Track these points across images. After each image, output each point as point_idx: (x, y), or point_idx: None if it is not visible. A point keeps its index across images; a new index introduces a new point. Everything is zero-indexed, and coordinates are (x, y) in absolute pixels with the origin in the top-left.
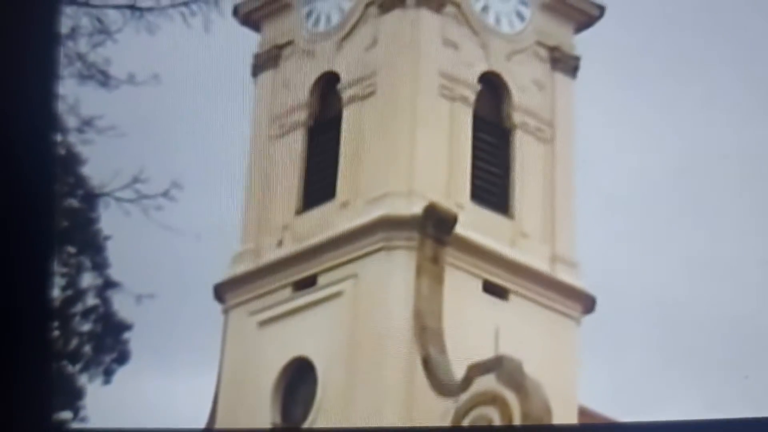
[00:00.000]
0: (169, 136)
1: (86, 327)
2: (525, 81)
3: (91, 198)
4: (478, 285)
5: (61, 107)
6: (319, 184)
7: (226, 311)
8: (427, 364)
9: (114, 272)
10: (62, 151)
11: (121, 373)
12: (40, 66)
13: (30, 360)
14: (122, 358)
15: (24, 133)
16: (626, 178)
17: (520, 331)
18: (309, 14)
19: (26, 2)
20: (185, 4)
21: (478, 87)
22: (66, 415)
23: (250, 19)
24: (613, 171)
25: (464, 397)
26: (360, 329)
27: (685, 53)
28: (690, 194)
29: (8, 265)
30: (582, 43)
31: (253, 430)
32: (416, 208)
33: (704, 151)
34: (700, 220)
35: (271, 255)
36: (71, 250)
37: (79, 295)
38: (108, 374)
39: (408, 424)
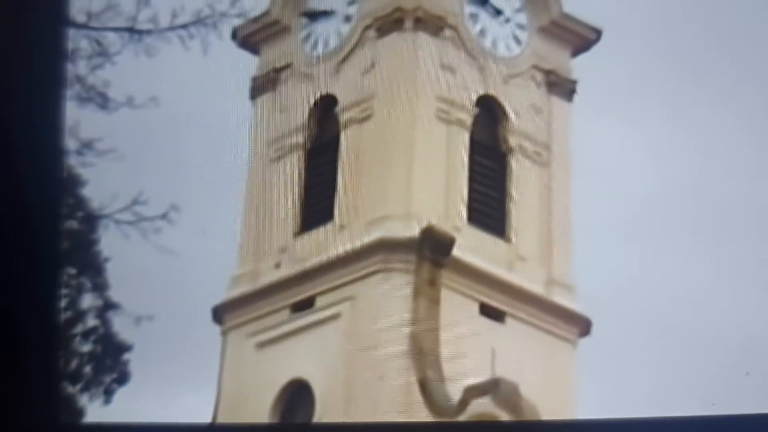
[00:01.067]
0: (168, 158)
1: (86, 348)
2: (522, 104)
3: (91, 220)
4: (475, 307)
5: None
6: (316, 206)
7: (224, 333)
8: (423, 386)
9: (114, 294)
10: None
11: (121, 394)
12: (47, 89)
13: (37, 379)
14: (122, 378)
15: (31, 157)
16: (623, 201)
17: (516, 353)
18: (307, 38)
19: (33, 26)
20: (184, 27)
21: (475, 110)
22: None
23: (248, 42)
24: (610, 194)
25: (461, 419)
26: (357, 351)
27: (684, 77)
28: (689, 216)
29: (15, 286)
30: (579, 67)
31: (253, 425)
32: (413, 231)
33: (704, 173)
34: (699, 241)
35: (269, 277)
36: (71, 271)
37: (80, 316)
38: (108, 394)
39: None
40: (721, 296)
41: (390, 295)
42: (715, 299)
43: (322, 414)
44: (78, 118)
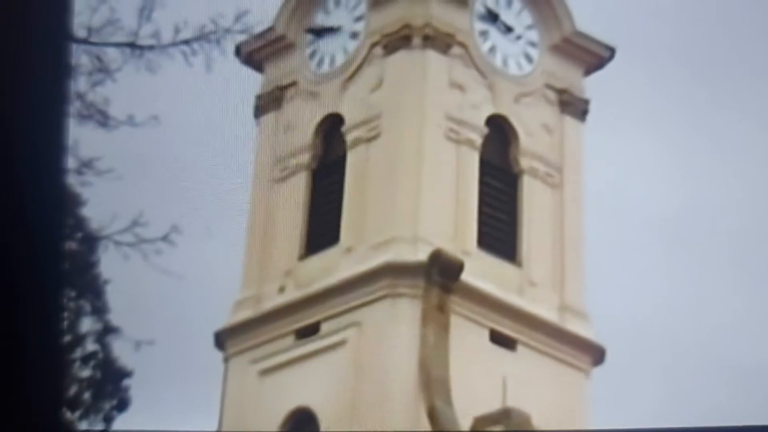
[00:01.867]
0: (169, 178)
1: (86, 373)
2: (533, 124)
3: (90, 241)
4: (485, 334)
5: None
6: (322, 228)
7: (226, 359)
8: (432, 415)
9: (113, 317)
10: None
11: (121, 421)
12: (50, 106)
13: (37, 405)
14: (122, 405)
15: (33, 176)
16: (638, 225)
17: (527, 382)
18: (313, 54)
19: (36, 42)
20: (187, 42)
21: (485, 130)
22: None
23: (252, 58)
24: (624, 217)
25: None
26: (364, 379)
27: (697, 95)
28: (706, 240)
29: (15, 309)
30: (592, 86)
31: None
32: (422, 255)
33: (721, 196)
34: (717, 266)
35: (273, 302)
36: (71, 293)
37: (79, 340)
38: (107, 421)
39: None
40: (741, 322)
41: (397, 321)
42: (730, 328)
43: None
44: (77, 137)
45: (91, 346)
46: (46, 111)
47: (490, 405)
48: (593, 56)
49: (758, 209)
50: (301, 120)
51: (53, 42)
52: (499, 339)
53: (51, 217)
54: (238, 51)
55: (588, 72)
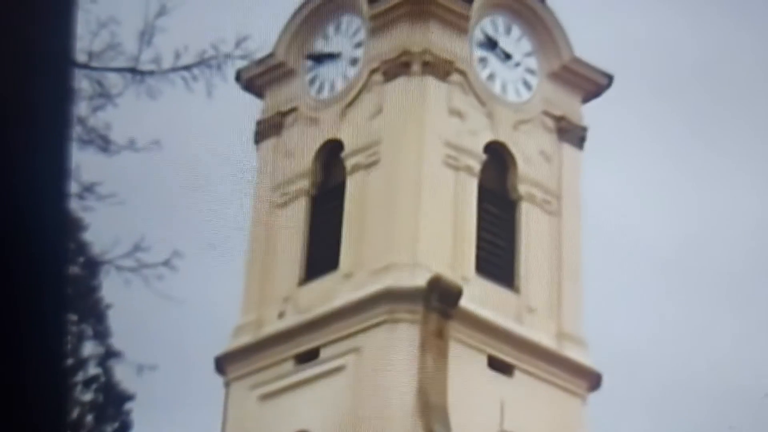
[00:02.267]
0: (170, 203)
1: (88, 397)
2: (531, 151)
3: (92, 265)
4: (483, 360)
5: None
6: (321, 254)
7: (227, 384)
8: None
9: (115, 341)
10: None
11: None
12: (54, 131)
13: (42, 430)
14: (124, 429)
15: (36, 201)
16: (636, 253)
17: (525, 408)
18: (313, 81)
19: (40, 67)
20: (187, 68)
21: (484, 157)
22: None
23: (253, 84)
24: (622, 245)
25: None
26: (363, 404)
27: (697, 124)
28: (705, 268)
29: (19, 334)
30: (590, 113)
31: None
32: (420, 281)
33: (718, 226)
34: (716, 294)
35: (273, 327)
36: (73, 318)
37: (81, 364)
38: None
39: None
40: (737, 351)
41: (396, 346)
42: (730, 354)
43: None
44: (79, 161)
45: (93, 369)
46: (50, 136)
47: (488, 430)
48: (591, 83)
49: (758, 240)
50: (301, 146)
51: (57, 67)
52: (497, 365)
53: (55, 241)
54: (238, 77)
55: (586, 99)
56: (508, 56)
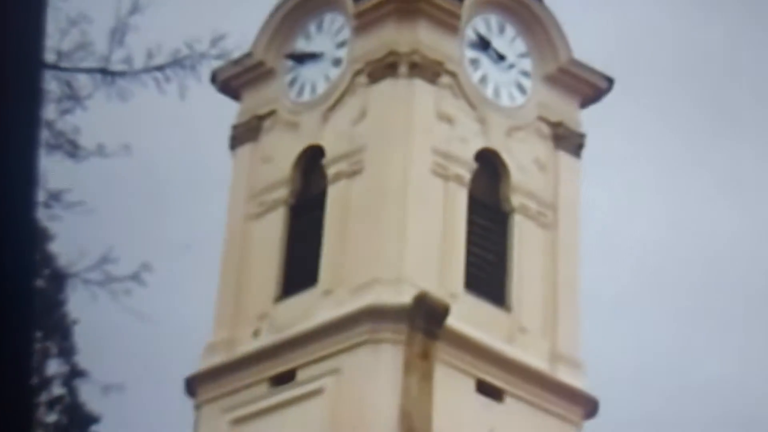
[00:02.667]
0: (140, 212)
1: (52, 418)
2: (525, 160)
3: (58, 278)
4: (471, 384)
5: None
6: (300, 269)
7: (197, 407)
8: None
9: (81, 359)
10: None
11: None
12: (23, 137)
13: None
14: None
15: (3, 210)
16: (635, 269)
17: None
18: (293, 82)
19: (9, 67)
20: (160, 68)
21: (475, 165)
22: None
23: (229, 86)
24: (621, 261)
25: None
26: (342, 430)
27: (701, 131)
28: (707, 286)
29: None
30: (588, 119)
31: None
32: (405, 297)
33: (727, 242)
34: (718, 313)
35: (247, 346)
36: (37, 334)
37: (45, 383)
38: None
39: None
40: (738, 374)
41: (378, 369)
42: (731, 378)
43: None
44: (45, 167)
45: (57, 389)
46: (17, 141)
47: None
48: (590, 87)
49: (760, 254)
50: (280, 152)
51: (26, 67)
52: (486, 389)
53: (23, 253)
54: (213, 78)
55: (584, 104)
56: (501, 57)
